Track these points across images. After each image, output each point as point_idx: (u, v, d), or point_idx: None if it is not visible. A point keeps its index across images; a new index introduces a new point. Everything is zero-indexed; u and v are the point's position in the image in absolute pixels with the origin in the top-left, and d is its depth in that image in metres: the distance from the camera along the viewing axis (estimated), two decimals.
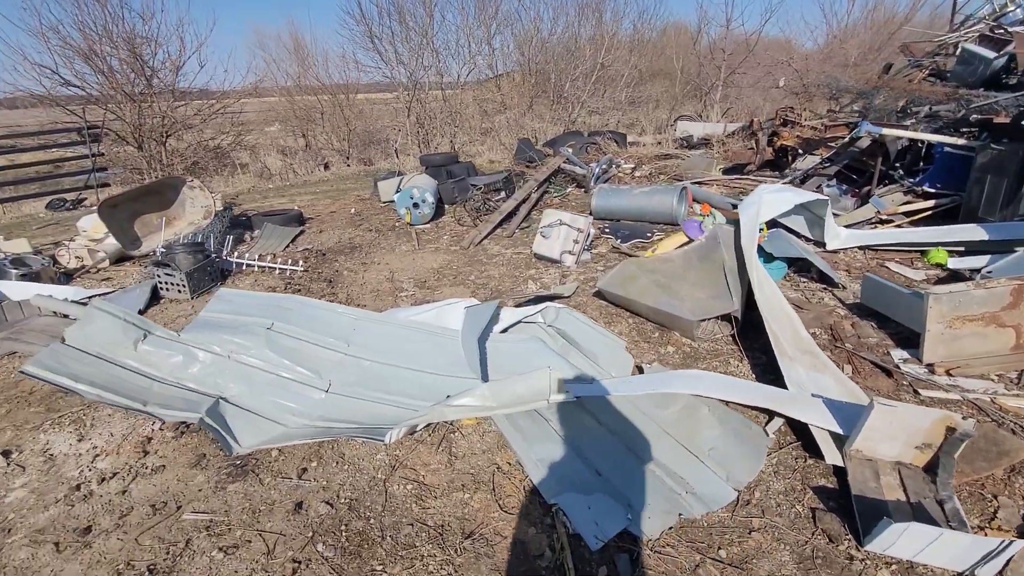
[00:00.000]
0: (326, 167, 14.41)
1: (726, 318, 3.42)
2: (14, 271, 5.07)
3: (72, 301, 4.59)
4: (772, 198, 3.84)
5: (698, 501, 2.18)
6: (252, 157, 15.16)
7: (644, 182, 7.62)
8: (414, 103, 17.62)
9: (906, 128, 5.08)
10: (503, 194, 7.18)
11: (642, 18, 23.79)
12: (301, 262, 5.26)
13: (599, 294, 4.12)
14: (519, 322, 3.25)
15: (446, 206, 7.34)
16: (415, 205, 6.51)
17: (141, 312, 4.47)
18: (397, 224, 6.82)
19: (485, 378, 2.82)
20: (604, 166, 7.52)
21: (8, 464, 2.79)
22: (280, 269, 5.23)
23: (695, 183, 6.70)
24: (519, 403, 2.47)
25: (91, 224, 6.01)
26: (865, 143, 5.79)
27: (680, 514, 2.11)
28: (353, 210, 7.69)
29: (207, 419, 2.69)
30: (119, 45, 11.60)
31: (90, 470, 2.70)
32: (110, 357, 2.81)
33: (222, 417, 2.80)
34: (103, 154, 10.75)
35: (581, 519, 2.06)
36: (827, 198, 4.44)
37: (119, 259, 5.87)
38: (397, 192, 7.51)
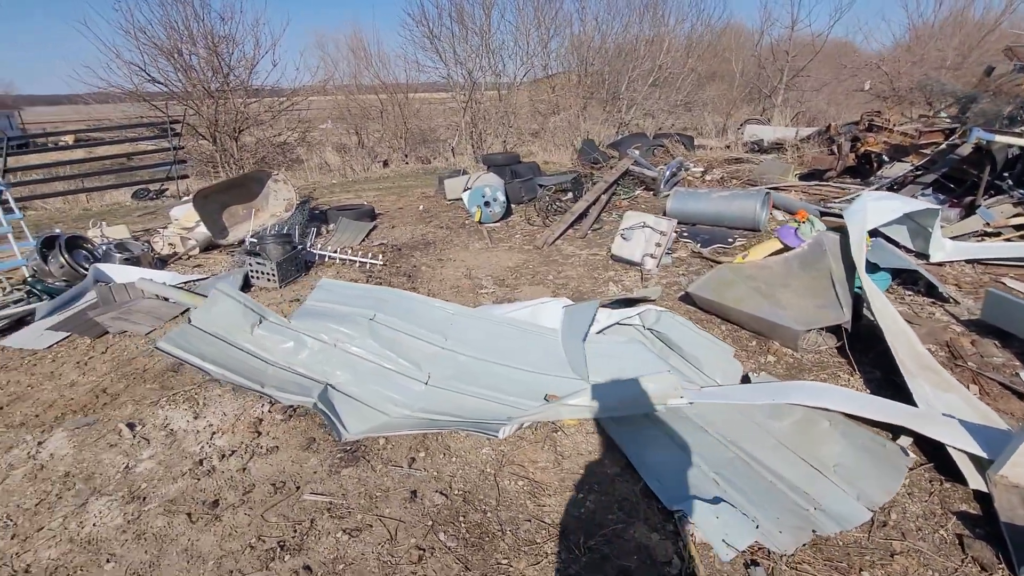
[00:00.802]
0: (385, 164, 14.73)
1: (831, 329, 3.29)
2: (118, 255, 5.40)
3: (171, 286, 4.85)
4: (879, 206, 3.66)
5: (828, 518, 2.09)
6: (310, 153, 15.68)
7: (715, 186, 7.43)
8: (470, 103, 17.80)
9: (1021, 136, 4.75)
10: (570, 195, 7.15)
11: (701, 18, 23.15)
12: (380, 256, 5.38)
13: (687, 298, 4.03)
14: (615, 324, 3.21)
15: (512, 205, 7.37)
16: (486, 203, 6.55)
17: None
18: (467, 222, 6.89)
19: (588, 379, 2.80)
20: (674, 169, 7.38)
21: (134, 436, 2.96)
22: (360, 262, 5.36)
23: (771, 189, 6.48)
24: (637, 406, 2.44)
25: (183, 213, 6.34)
26: (966, 150, 5.45)
27: (814, 531, 2.02)
28: (421, 207, 7.82)
29: (320, 404, 2.77)
30: (199, 43, 12.23)
31: (210, 447, 2.83)
32: (229, 339, 2.95)
33: (331, 403, 2.89)
34: (183, 147, 11.33)
35: (709, 528, 2.01)
36: (938, 208, 4.20)
37: (207, 247, 6.17)
38: (465, 190, 7.60)
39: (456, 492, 2.40)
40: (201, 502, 2.45)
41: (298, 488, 2.50)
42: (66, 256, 5.02)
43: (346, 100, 16.84)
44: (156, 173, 11.22)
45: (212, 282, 5.00)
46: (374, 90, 16.58)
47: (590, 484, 2.40)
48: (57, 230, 5.81)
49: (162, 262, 5.76)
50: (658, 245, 4.62)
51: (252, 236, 5.48)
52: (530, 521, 2.22)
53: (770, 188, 6.59)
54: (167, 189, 10.46)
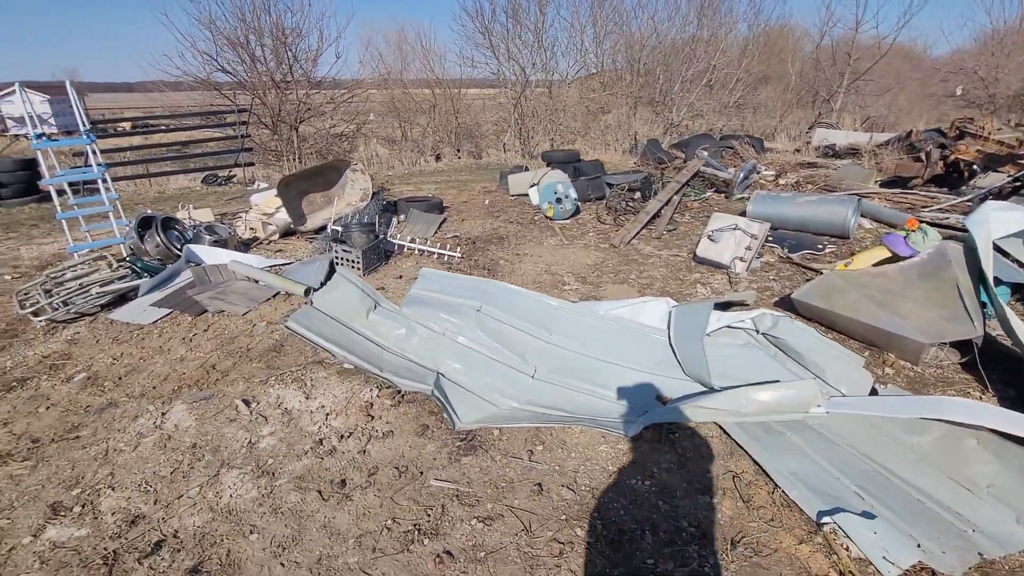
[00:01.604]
0: (438, 158, 14.86)
1: (954, 343, 3.13)
2: (208, 237, 5.60)
3: (261, 269, 4.99)
4: (1003, 216, 3.46)
5: (990, 541, 1.99)
6: (365, 145, 15.94)
7: (789, 190, 7.21)
8: (521, 99, 17.79)
9: None
10: (638, 194, 7.06)
11: (759, 18, 22.52)
12: (458, 249, 5.41)
13: (784, 304, 3.91)
14: (724, 327, 3.14)
15: (579, 203, 7.31)
16: (558, 200, 6.53)
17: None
18: (536, 218, 6.88)
19: (711, 382, 2.74)
20: (747, 172, 7.19)
21: (251, 412, 3.05)
22: (439, 254, 5.41)
23: (852, 195, 6.24)
24: (775, 412, 2.37)
25: (263, 199, 6.52)
26: None
27: (980, 553, 1.93)
28: (487, 201, 7.85)
29: (436, 393, 2.79)
30: (267, 34, 12.58)
31: (327, 427, 2.90)
32: (347, 322, 3.00)
33: (444, 391, 2.91)
34: (250, 135, 11.68)
35: (866, 543, 1.94)
36: None
37: (286, 233, 6.33)
38: (532, 186, 7.59)
39: (583, 488, 2.39)
40: (329, 481, 2.51)
41: (422, 473, 2.53)
42: (162, 236, 5.23)
43: (402, 94, 17.03)
44: (221, 160, 11.61)
45: (297, 267, 5.14)
46: (428, 84, 16.72)
47: (721, 488, 2.35)
48: (148, 211, 6.07)
49: (245, 245, 5.94)
50: (748, 248, 4.51)
51: (334, 224, 5.60)
52: (666, 522, 2.18)
53: (850, 195, 6.35)
54: (235, 175, 10.80)
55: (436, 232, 6.39)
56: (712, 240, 4.62)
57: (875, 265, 3.93)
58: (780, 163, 8.25)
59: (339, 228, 5.48)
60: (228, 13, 12.36)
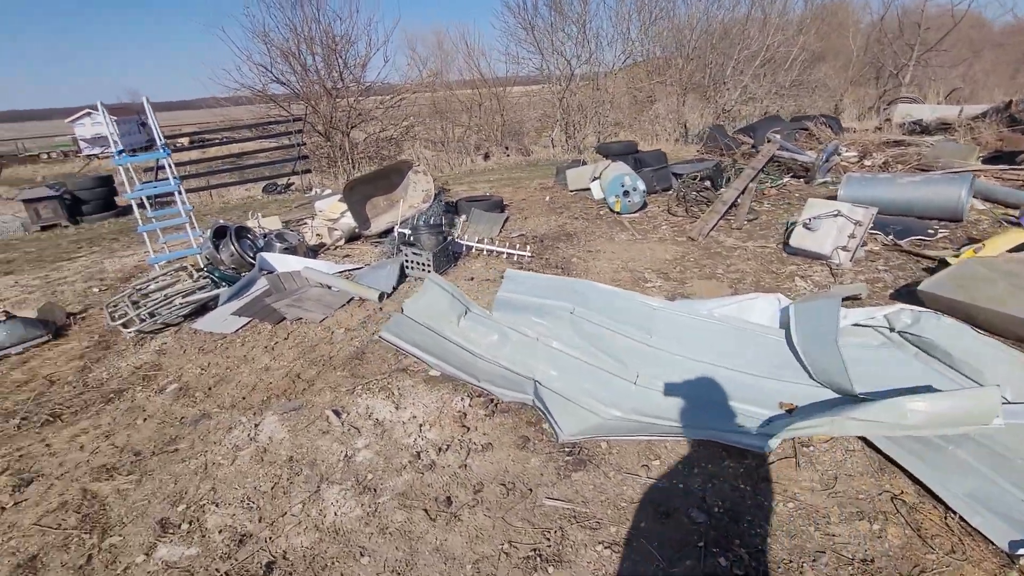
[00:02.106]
0: (486, 157, 14.77)
1: None
2: (278, 245, 5.64)
3: (332, 274, 4.97)
4: None
5: None
6: (413, 147, 16.03)
7: (876, 171, 6.64)
8: (567, 93, 17.47)
9: None
10: (708, 184, 6.67)
11: None
12: (528, 248, 5.23)
13: (904, 296, 3.51)
14: (850, 325, 2.81)
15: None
16: (625, 193, 6.24)
17: (393, 290, 4.71)
18: (602, 212, 6.61)
19: (852, 388, 2.43)
20: (829, 154, 6.67)
21: (343, 424, 2.96)
22: (508, 253, 5.24)
23: (963, 173, 5.65)
24: (949, 425, 2.06)
25: (327, 205, 6.55)
26: None
27: None
28: (548, 198, 7.64)
29: (537, 403, 2.61)
30: (317, 43, 12.80)
31: (422, 439, 2.77)
32: (437, 329, 2.86)
33: (543, 400, 2.73)
34: (305, 144, 11.91)
35: None
36: None
37: (351, 238, 6.33)
38: (595, 179, 7.32)
39: (716, 510, 2.14)
40: (433, 499, 2.37)
41: (531, 491, 2.35)
42: (236, 245, 5.29)
43: (447, 95, 17.05)
44: (277, 169, 11.90)
45: (367, 272, 5.08)
46: (473, 84, 16.66)
47: (881, 513, 2.05)
48: (221, 221, 6.19)
49: (313, 252, 5.96)
50: (851, 236, 4.10)
51: (401, 227, 5.53)
52: (824, 552, 1.91)
53: (948, 173, 5.75)
54: (293, 183, 11.03)
55: (500, 231, 6.24)
56: (809, 228, 4.24)
57: (1012, 251, 3.47)
58: (861, 143, 7.63)
59: (406, 231, 5.40)
60: (280, 24, 12.63)
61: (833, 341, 2.45)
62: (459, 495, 2.37)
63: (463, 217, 6.85)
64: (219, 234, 5.47)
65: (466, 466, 2.56)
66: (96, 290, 5.56)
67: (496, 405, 2.96)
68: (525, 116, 19.51)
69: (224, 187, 11.93)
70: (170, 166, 5.60)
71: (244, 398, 3.33)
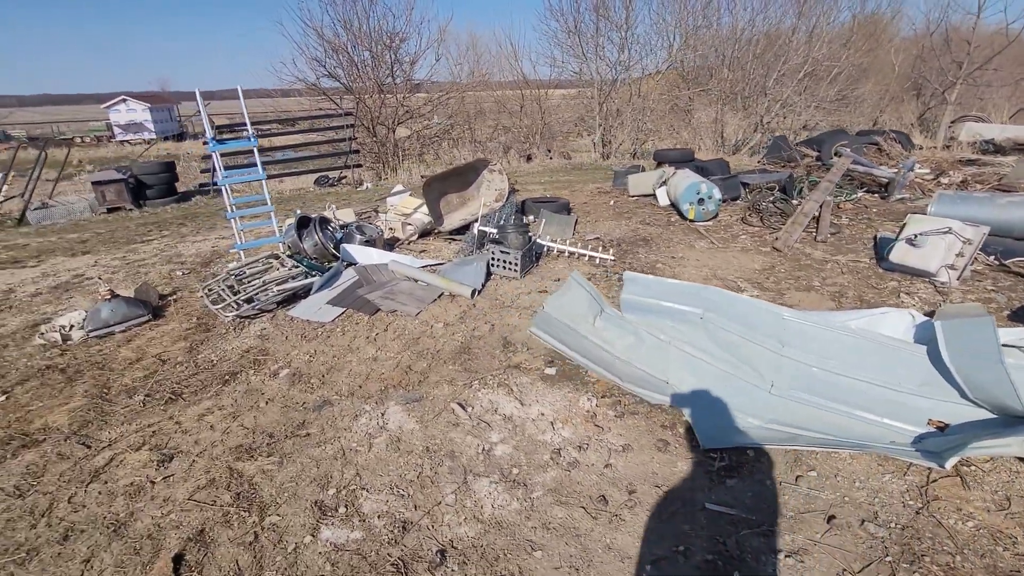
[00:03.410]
0: (528, 159, 14.80)
1: None
2: (359, 237, 5.70)
3: (419, 268, 5.02)
4: None
5: None
6: (454, 147, 16.12)
7: (954, 189, 6.53)
8: (608, 98, 17.47)
9: None
10: (775, 195, 6.62)
11: (865, 5, 20.98)
12: (611, 251, 5.23)
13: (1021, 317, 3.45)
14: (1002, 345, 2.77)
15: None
16: (700, 201, 6.21)
17: (482, 287, 4.73)
18: (673, 219, 6.59)
19: (1016, 410, 2.40)
20: (908, 169, 6.58)
21: (471, 417, 2.99)
22: (590, 256, 5.25)
23: None
24: None
25: (400, 200, 6.61)
26: None
27: None
28: (612, 202, 7.63)
29: (676, 407, 2.60)
30: (372, 39, 12.94)
31: (558, 437, 2.78)
32: (574, 327, 2.87)
33: (681, 404, 2.72)
34: (356, 138, 12.04)
35: None
36: None
37: (423, 233, 6.38)
38: (661, 186, 7.30)
39: (891, 524, 2.12)
40: (588, 497, 2.37)
41: (690, 494, 2.34)
42: (320, 235, 5.36)
43: (489, 96, 17.12)
44: (328, 162, 12.04)
45: (452, 268, 5.12)
46: (516, 86, 16.72)
47: None
48: (298, 211, 6.28)
49: (389, 245, 6.01)
50: (959, 255, 4.04)
51: (481, 225, 5.56)
52: (1020, 573, 1.88)
53: None
54: (345, 176, 11.15)
55: (574, 234, 6.24)
56: (914, 245, 4.18)
57: None
58: (933, 160, 7.51)
59: (487, 229, 5.43)
60: (335, 20, 12.80)
61: (997, 360, 2.42)
62: (613, 495, 2.38)
63: (531, 218, 6.88)
64: (301, 224, 5.55)
65: (610, 466, 2.56)
66: (180, 273, 5.67)
67: (624, 406, 2.97)
68: (563, 119, 19.54)
69: (275, 178, 12.09)
70: (256, 153, 5.69)
71: (360, 387, 3.37)
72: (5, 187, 8.57)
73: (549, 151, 15.24)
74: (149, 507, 2.45)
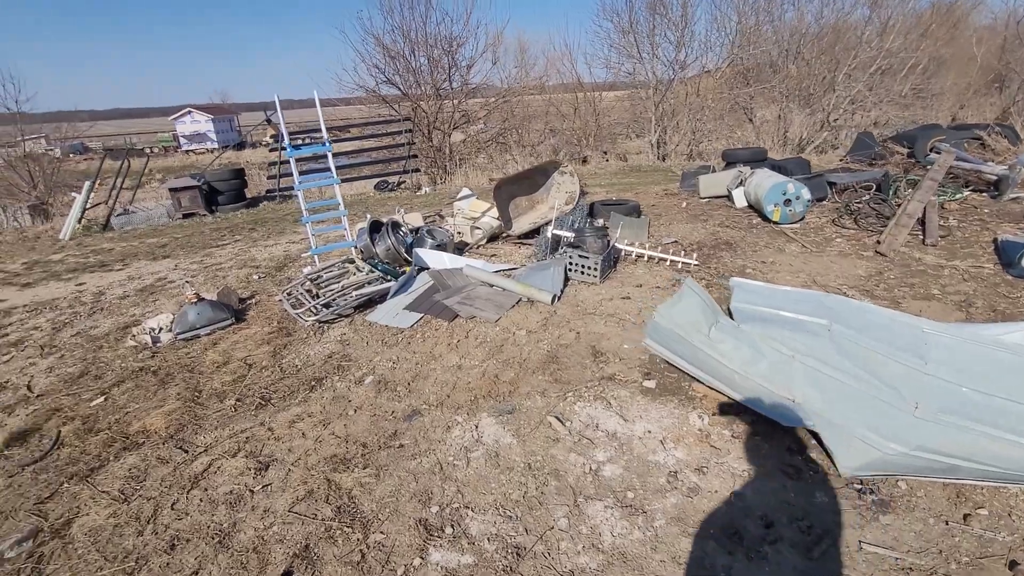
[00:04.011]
0: (584, 161, 14.54)
1: None
2: (429, 241, 5.64)
3: (493, 273, 4.88)
4: None
5: None
6: (508, 151, 16.05)
7: None
8: (665, 98, 17.00)
9: None
10: (868, 196, 6.12)
11: None
12: (695, 255, 4.93)
13: None
14: None
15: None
16: (787, 202, 5.82)
17: (561, 292, 4.55)
18: (754, 221, 6.21)
19: None
20: (1022, 166, 5.95)
21: (569, 432, 2.80)
22: (672, 260, 4.97)
23: None
24: None
25: (467, 204, 6.52)
26: None
27: None
28: (684, 204, 7.31)
29: (806, 428, 2.33)
30: (432, 45, 13.04)
31: (671, 458, 2.55)
32: (688, 338, 2.64)
33: (811, 426, 2.44)
34: (415, 143, 12.15)
35: None
36: None
37: (490, 237, 6.26)
38: (738, 187, 6.92)
39: None
40: (719, 529, 2.13)
41: (839, 531, 2.07)
42: (393, 239, 5.32)
43: (544, 99, 16.99)
44: (388, 167, 12.19)
45: (527, 273, 4.96)
46: (572, 88, 16.51)
47: None
48: (368, 215, 6.29)
49: (458, 250, 5.92)
50: None
51: (554, 228, 5.38)
52: None
53: None
54: (404, 181, 11.24)
55: (649, 237, 5.97)
56: None
57: None
58: None
59: (563, 233, 5.25)
60: (394, 27, 12.98)
61: None
62: (749, 528, 2.13)
63: (600, 221, 6.64)
64: (373, 228, 5.53)
65: (737, 493, 2.31)
66: (256, 277, 5.77)
67: (739, 424, 2.71)
68: (615, 120, 19.16)
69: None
70: (330, 158, 5.73)
71: (448, 396, 3.25)
72: (92, 195, 9.07)
73: (605, 153, 14.93)
74: (251, 517, 2.39)
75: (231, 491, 2.57)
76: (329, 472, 2.65)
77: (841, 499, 2.21)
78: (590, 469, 2.53)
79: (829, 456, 2.40)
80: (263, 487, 2.59)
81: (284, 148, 8.33)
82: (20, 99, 13.69)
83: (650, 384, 3.12)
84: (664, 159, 16.39)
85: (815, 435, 2.54)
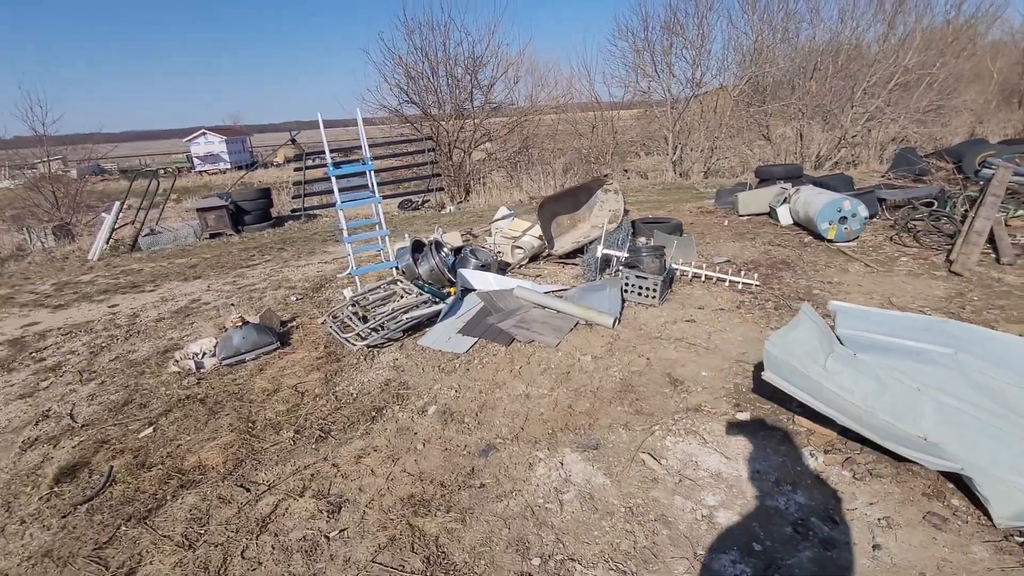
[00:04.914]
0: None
1: None
2: (473, 261, 5.46)
3: (545, 294, 4.68)
4: None
5: None
6: (523, 170, 15.98)
7: None
8: (682, 116, 16.96)
9: None
10: (926, 212, 5.90)
11: (961, 9, 19.53)
12: (756, 275, 4.72)
13: None
14: None
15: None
16: (842, 219, 5.60)
17: (620, 314, 4.34)
18: (807, 240, 5.99)
19: None
20: None
21: (667, 472, 2.56)
22: (731, 281, 4.75)
23: None
24: None
25: (507, 223, 6.36)
26: None
27: None
28: (727, 222, 7.11)
29: (974, 479, 2.08)
30: (454, 65, 13.06)
31: (792, 504, 2.30)
32: (803, 369, 2.42)
33: (956, 469, 2.19)
34: (437, 162, 12.08)
35: None
36: None
37: (532, 257, 6.07)
38: (782, 203, 6.73)
39: None
40: None
41: None
42: (437, 259, 5.14)
43: (560, 119, 16.99)
44: (412, 186, 12.08)
45: (580, 294, 4.75)
46: (590, 108, 16.51)
47: None
48: (407, 234, 6.13)
49: (500, 270, 5.74)
50: None
51: (604, 247, 5.19)
52: None
53: None
54: (428, 200, 11.13)
55: (697, 256, 5.76)
56: None
57: None
58: None
59: (612, 252, 5.05)
60: (415, 48, 13.01)
61: None
62: None
63: (643, 239, 6.45)
64: (415, 248, 5.36)
65: (880, 547, 2.06)
66: (294, 298, 5.59)
67: (859, 464, 2.46)
68: (630, 139, 19.13)
69: (355, 203, 12.26)
70: (371, 176, 5.59)
71: (523, 428, 3.02)
72: (120, 215, 9.01)
73: (626, 171, 14.82)
74: (331, 568, 2.16)
75: (304, 536, 2.35)
76: (410, 516, 2.42)
77: (1004, 555, 1.96)
78: (702, 515, 2.28)
79: (978, 503, 2.15)
80: (339, 532, 2.36)
81: (309, 167, 8.23)
82: (47, 121, 13.77)
83: (744, 416, 2.88)
84: (684, 176, 16.28)
85: (952, 478, 2.29)
